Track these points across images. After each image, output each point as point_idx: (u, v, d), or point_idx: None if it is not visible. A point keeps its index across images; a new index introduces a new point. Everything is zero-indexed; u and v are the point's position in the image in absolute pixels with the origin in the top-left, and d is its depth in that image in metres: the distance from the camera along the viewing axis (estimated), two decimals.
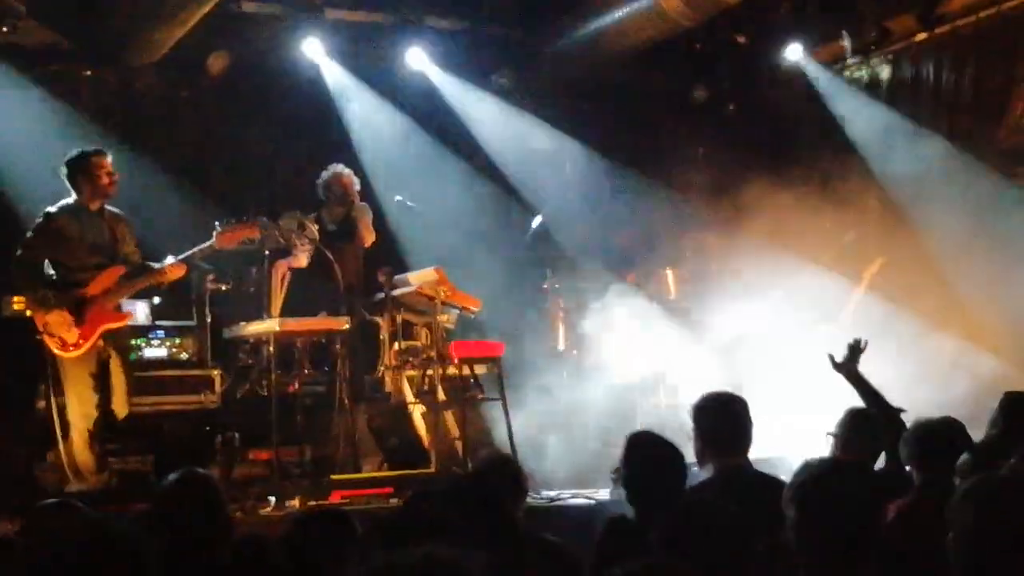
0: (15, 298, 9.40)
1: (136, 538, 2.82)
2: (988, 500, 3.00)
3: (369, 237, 9.55)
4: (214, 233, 8.21)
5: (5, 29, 9.64)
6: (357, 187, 9.58)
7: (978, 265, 9.42)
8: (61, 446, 7.96)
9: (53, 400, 7.99)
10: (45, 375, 8.09)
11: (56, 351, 7.90)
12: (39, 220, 8.03)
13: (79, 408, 7.91)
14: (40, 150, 9.86)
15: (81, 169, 8.03)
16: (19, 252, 7.94)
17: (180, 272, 8.29)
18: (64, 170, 8.07)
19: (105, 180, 8.06)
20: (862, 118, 10.70)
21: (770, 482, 4.21)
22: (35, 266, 7.98)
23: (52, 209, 8.03)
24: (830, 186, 10.24)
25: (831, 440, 5.37)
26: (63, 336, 7.88)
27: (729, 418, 4.59)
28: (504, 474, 4.32)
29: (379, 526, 3.85)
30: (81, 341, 7.91)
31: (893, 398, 5.84)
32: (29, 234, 8.02)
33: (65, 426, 7.95)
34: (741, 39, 11.37)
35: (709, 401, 4.73)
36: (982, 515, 2.96)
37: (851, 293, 9.79)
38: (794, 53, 10.99)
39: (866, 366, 5.97)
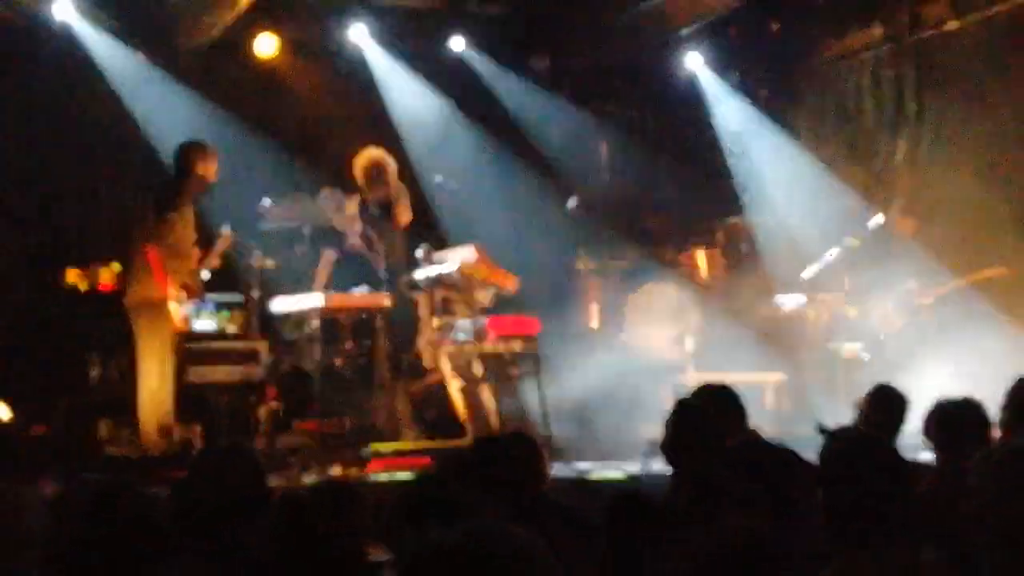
0: (68, 271, 9.75)
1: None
2: (1008, 467, 3.09)
3: (406, 216, 9.81)
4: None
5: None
6: (394, 168, 9.83)
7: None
8: (155, 413, 8.27)
9: (147, 368, 8.29)
10: (132, 344, 8.43)
11: (177, 321, 8.30)
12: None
13: (174, 379, 8.34)
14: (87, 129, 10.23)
15: (198, 154, 8.49)
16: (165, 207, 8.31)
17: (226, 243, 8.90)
18: (179, 150, 8.52)
19: (212, 177, 8.55)
20: (889, 106, 10.76)
21: (781, 452, 4.35)
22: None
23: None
24: (859, 170, 10.34)
25: (856, 409, 5.49)
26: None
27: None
28: (522, 453, 4.46)
29: (402, 501, 3.89)
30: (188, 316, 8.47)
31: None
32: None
33: (157, 393, 8.28)
34: (775, 25, 11.44)
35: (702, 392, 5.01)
36: (1003, 482, 3.04)
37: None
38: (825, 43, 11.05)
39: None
